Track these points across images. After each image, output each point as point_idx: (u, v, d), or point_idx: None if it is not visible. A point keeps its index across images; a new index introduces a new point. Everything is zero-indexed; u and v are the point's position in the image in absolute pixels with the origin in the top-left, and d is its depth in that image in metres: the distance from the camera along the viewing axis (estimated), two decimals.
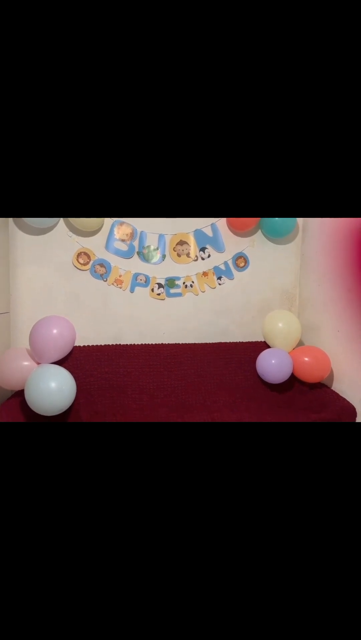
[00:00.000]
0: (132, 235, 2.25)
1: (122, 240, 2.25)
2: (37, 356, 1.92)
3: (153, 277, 2.29)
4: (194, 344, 2.29)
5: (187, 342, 2.30)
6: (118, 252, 2.25)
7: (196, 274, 2.34)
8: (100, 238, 2.22)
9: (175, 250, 2.30)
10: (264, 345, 2.31)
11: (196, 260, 2.33)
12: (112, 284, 2.26)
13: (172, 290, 2.32)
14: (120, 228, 2.24)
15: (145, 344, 2.25)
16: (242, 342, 2.36)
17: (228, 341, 2.36)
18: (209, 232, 2.32)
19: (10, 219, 2.12)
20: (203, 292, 2.36)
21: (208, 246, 2.33)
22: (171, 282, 2.31)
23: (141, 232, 2.26)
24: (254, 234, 2.37)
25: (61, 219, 2.17)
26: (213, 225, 2.32)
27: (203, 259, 2.34)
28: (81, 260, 2.21)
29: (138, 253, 2.27)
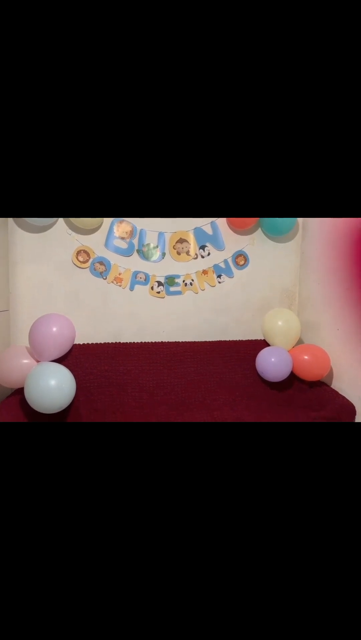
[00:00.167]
0: (132, 233, 2.25)
1: (122, 238, 2.24)
2: (36, 354, 1.92)
3: (153, 275, 2.29)
4: (194, 342, 2.29)
5: (187, 341, 2.30)
6: (118, 250, 2.25)
7: (196, 272, 2.34)
8: (100, 236, 2.22)
9: (175, 248, 2.30)
10: (264, 344, 2.32)
11: (196, 258, 2.33)
12: (112, 282, 2.26)
13: (172, 289, 2.32)
14: (120, 226, 2.23)
15: (145, 342, 2.25)
16: (242, 340, 2.36)
17: (227, 339, 2.36)
18: (209, 230, 2.32)
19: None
20: (203, 290, 2.36)
21: (207, 244, 2.33)
22: (170, 280, 2.31)
23: (141, 230, 2.26)
24: (254, 232, 2.37)
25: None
26: (212, 224, 2.32)
27: (202, 257, 2.33)
28: (81, 258, 2.21)
29: (138, 251, 2.27)
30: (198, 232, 2.31)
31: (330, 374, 2.15)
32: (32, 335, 1.93)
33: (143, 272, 2.28)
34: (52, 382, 1.78)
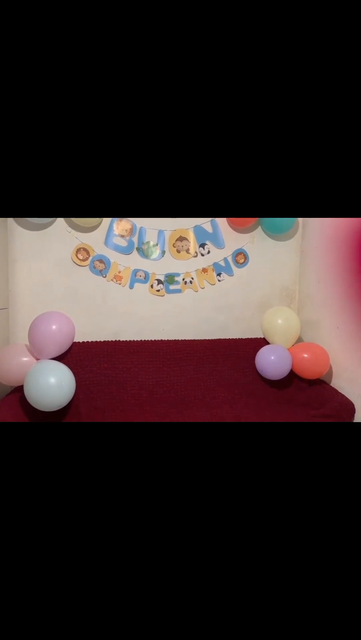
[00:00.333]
0: (132, 231, 2.25)
1: (122, 236, 2.24)
2: (36, 352, 1.92)
3: (152, 274, 2.29)
4: (194, 340, 2.29)
5: (186, 339, 2.30)
6: (117, 248, 2.24)
7: (196, 270, 2.33)
8: (99, 234, 2.22)
9: (175, 246, 2.29)
10: (263, 342, 2.32)
11: (196, 256, 2.33)
12: (112, 280, 2.26)
13: (171, 287, 2.32)
14: (119, 224, 2.23)
15: (144, 340, 2.25)
16: (241, 338, 2.36)
17: (227, 337, 2.36)
18: (209, 228, 2.32)
19: None
20: (203, 288, 2.36)
21: (207, 242, 2.33)
22: (170, 279, 2.31)
23: (141, 228, 2.25)
24: (254, 231, 2.37)
25: None
26: (212, 222, 2.32)
27: (202, 255, 2.33)
28: (80, 256, 2.21)
29: (137, 249, 2.26)
30: (198, 230, 2.31)
31: (330, 372, 2.15)
32: (31, 333, 1.93)
33: (143, 270, 2.28)
34: (52, 380, 1.78)
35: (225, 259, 2.36)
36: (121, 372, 2.12)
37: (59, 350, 1.99)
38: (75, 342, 2.13)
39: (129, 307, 2.29)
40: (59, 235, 2.17)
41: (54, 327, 1.96)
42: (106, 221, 2.22)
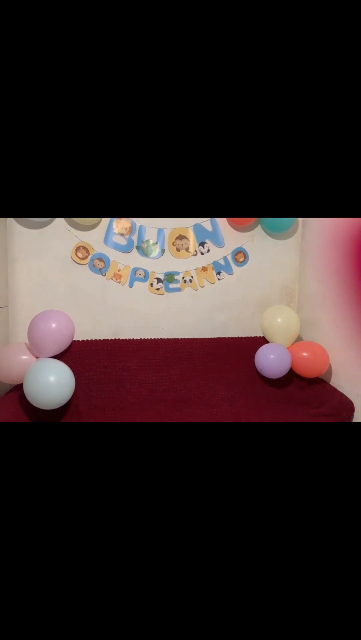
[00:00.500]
0: (131, 229, 2.24)
1: (121, 235, 2.24)
2: (35, 350, 1.92)
3: (152, 272, 2.29)
4: (193, 339, 2.29)
5: (186, 337, 2.30)
6: (117, 247, 2.24)
7: (195, 268, 2.33)
8: (99, 232, 2.22)
9: (174, 245, 2.29)
10: (263, 341, 2.32)
11: (196, 255, 2.33)
12: (111, 278, 2.25)
13: (171, 285, 2.32)
14: (119, 222, 2.23)
15: (144, 338, 2.25)
16: (241, 337, 2.36)
17: (226, 336, 2.36)
18: (208, 226, 2.32)
19: None
20: (202, 287, 2.36)
21: (207, 241, 2.33)
22: (170, 277, 2.31)
23: (140, 227, 2.25)
24: (254, 229, 2.37)
25: None
26: (212, 220, 2.31)
27: (202, 253, 2.33)
28: (80, 255, 2.20)
29: (137, 247, 2.26)
30: (198, 228, 2.31)
31: (329, 371, 2.15)
32: (31, 331, 1.93)
33: (142, 269, 2.28)
34: (52, 378, 1.78)
35: (225, 258, 2.36)
36: (120, 370, 2.12)
37: (58, 349, 1.99)
38: (74, 341, 2.13)
39: (129, 306, 2.29)
40: (59, 233, 2.17)
41: (53, 325, 1.96)
42: (106, 220, 2.21)
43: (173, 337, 2.30)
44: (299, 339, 2.35)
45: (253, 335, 2.38)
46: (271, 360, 2.12)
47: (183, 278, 2.33)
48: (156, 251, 2.28)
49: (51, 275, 2.19)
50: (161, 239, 2.28)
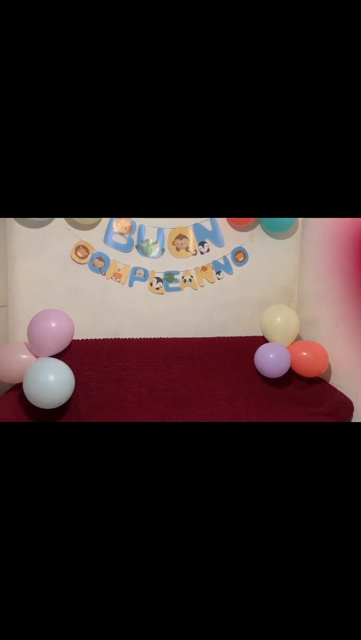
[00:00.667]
0: (131, 228, 2.24)
1: (121, 234, 2.24)
2: (35, 349, 1.92)
3: (152, 272, 2.29)
4: (193, 338, 2.29)
5: (185, 337, 2.30)
6: (117, 246, 2.24)
7: (195, 268, 2.33)
8: (98, 231, 2.22)
9: (174, 244, 2.29)
10: (262, 340, 2.32)
11: (195, 254, 2.33)
12: (111, 277, 2.25)
13: (171, 285, 2.32)
14: (119, 221, 2.23)
15: (143, 338, 2.25)
16: (240, 336, 2.36)
17: (226, 336, 2.36)
18: (208, 226, 2.32)
19: None
20: (202, 286, 2.36)
21: (207, 240, 2.33)
22: (169, 277, 2.31)
23: (140, 226, 2.25)
24: (253, 229, 2.37)
25: None
26: (212, 220, 2.31)
27: (202, 253, 2.33)
28: (80, 254, 2.20)
29: (137, 247, 2.26)
30: (198, 228, 2.31)
31: (328, 371, 2.16)
32: (30, 330, 1.93)
33: (142, 268, 2.28)
34: (51, 378, 1.79)
35: (225, 257, 2.36)
36: (120, 369, 2.12)
37: (58, 348, 1.99)
38: (74, 340, 2.13)
39: (129, 305, 2.29)
40: (59, 233, 2.17)
41: (53, 324, 1.96)
42: (106, 219, 2.21)
43: (173, 337, 2.30)
44: (298, 338, 2.35)
45: (252, 335, 2.38)
46: (270, 360, 2.12)
47: (183, 277, 2.33)
48: (155, 250, 2.28)
49: (51, 274, 2.19)
50: (161, 239, 2.28)
